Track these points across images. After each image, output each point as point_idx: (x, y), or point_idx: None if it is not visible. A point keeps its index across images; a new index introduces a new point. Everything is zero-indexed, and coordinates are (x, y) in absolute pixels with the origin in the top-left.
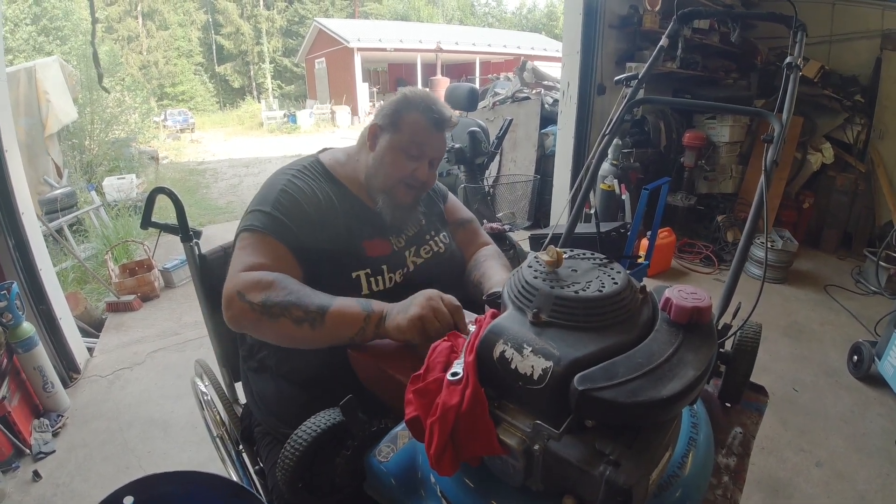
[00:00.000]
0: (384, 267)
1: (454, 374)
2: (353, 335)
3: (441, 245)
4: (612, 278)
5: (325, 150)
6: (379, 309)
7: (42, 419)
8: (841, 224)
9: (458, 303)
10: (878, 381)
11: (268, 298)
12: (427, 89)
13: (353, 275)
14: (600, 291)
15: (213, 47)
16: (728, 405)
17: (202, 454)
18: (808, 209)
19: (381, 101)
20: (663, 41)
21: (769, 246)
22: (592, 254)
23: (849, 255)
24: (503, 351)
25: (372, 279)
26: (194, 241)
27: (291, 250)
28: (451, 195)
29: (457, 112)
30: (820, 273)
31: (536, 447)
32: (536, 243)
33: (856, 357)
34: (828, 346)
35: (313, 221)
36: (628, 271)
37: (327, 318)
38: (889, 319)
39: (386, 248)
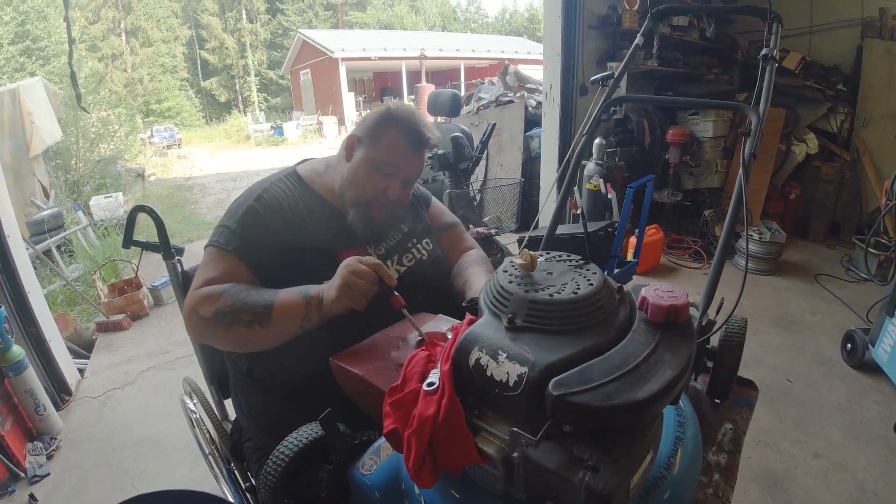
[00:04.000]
0: None
1: (430, 384)
2: (300, 324)
3: (424, 252)
4: (588, 280)
5: (304, 160)
6: (316, 292)
7: (36, 442)
8: (828, 213)
9: (376, 259)
10: (872, 369)
11: (218, 310)
12: (413, 106)
13: None
14: (575, 294)
15: (198, 62)
16: (717, 401)
17: (195, 472)
18: (794, 200)
19: (368, 111)
20: (638, 39)
21: (757, 238)
22: (568, 255)
23: (837, 243)
24: (478, 358)
25: None
26: (176, 258)
27: (251, 268)
28: (434, 199)
29: (440, 118)
30: (809, 263)
31: (515, 455)
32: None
33: (849, 345)
34: (820, 336)
35: (280, 237)
36: (617, 270)
37: (273, 314)
38: (881, 306)
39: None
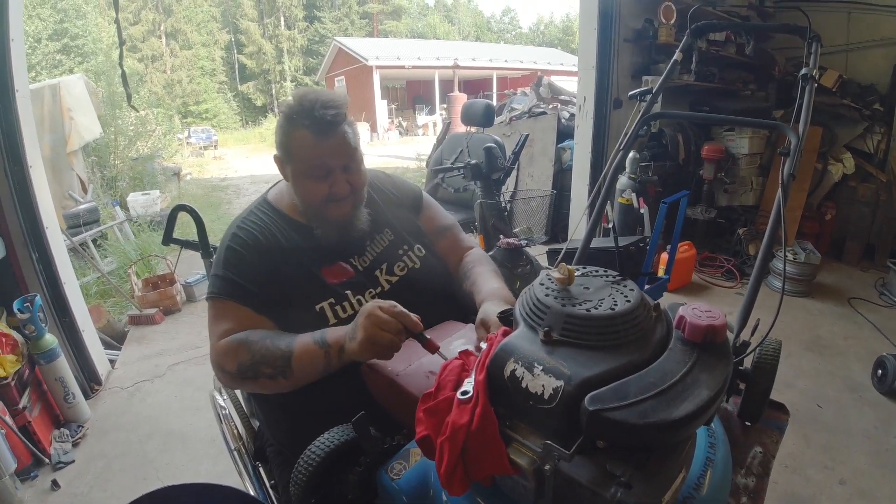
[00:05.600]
0: (348, 292)
1: (464, 393)
2: (323, 369)
3: (416, 260)
4: (625, 296)
5: (276, 183)
6: (334, 340)
7: (62, 429)
8: (864, 235)
9: (399, 307)
10: None
11: (240, 365)
12: (305, 89)
13: (317, 307)
14: (612, 310)
15: (236, 66)
16: (748, 424)
17: (220, 467)
18: (830, 220)
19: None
20: (677, 55)
21: (791, 259)
22: (605, 271)
23: (872, 266)
24: (514, 370)
25: (337, 307)
26: (214, 257)
27: (252, 307)
28: (426, 199)
29: (473, 128)
30: (843, 286)
31: (547, 467)
32: (553, 258)
33: (880, 371)
34: (851, 361)
35: (263, 269)
36: (648, 286)
37: (293, 365)
38: None
39: (346, 272)
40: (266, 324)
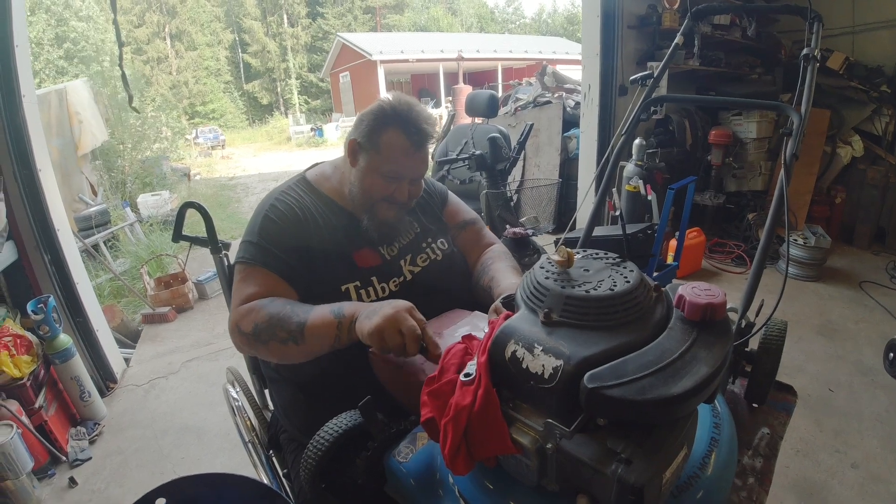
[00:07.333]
0: (374, 278)
1: (467, 375)
2: (332, 343)
3: (438, 252)
4: (625, 277)
5: (315, 165)
6: (351, 312)
7: (79, 427)
8: (874, 218)
9: (426, 326)
10: None
11: (256, 326)
12: (410, 98)
13: (343, 287)
14: (611, 290)
15: (241, 66)
16: (755, 406)
17: (234, 460)
18: (840, 204)
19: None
20: (678, 39)
21: (802, 243)
22: (605, 253)
23: (883, 249)
24: (514, 351)
25: (362, 290)
26: (223, 252)
27: (281, 275)
28: (450, 196)
29: (478, 119)
30: (854, 269)
31: (549, 446)
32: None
33: (891, 354)
34: (863, 344)
35: (298, 242)
36: (656, 273)
37: (306, 332)
38: None
39: (375, 258)
40: (293, 295)
